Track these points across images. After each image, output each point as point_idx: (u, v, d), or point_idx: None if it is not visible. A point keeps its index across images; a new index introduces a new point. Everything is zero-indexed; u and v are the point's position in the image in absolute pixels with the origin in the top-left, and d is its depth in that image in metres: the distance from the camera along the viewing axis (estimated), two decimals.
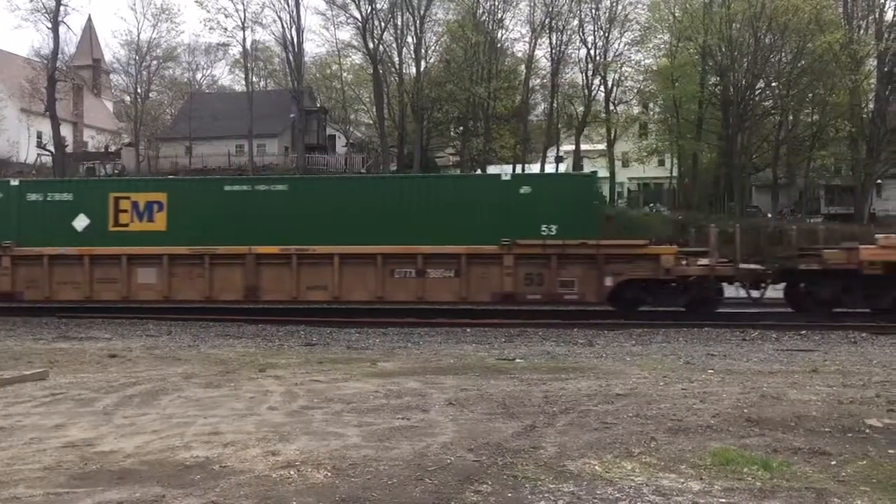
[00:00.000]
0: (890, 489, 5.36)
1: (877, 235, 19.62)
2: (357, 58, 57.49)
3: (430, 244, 19.73)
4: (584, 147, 52.51)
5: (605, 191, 55.05)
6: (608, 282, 19.30)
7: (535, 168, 50.54)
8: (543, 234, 19.46)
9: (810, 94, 44.39)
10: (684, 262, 19.44)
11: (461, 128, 54.64)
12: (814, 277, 19.16)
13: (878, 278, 18.52)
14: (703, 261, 19.47)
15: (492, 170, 49.84)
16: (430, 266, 19.90)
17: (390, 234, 19.84)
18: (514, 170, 50.46)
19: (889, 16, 43.05)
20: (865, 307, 19.08)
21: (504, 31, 53.56)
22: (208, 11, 79.10)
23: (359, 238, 19.87)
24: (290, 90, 53.59)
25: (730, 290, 20.17)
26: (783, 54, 43.92)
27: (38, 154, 56.65)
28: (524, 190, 19.90)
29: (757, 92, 44.60)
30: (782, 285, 20.25)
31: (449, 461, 5.99)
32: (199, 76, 66.60)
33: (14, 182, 21.71)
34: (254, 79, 58.18)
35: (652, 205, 51.29)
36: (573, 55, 50.89)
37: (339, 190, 21.28)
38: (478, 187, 21.04)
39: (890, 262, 18.37)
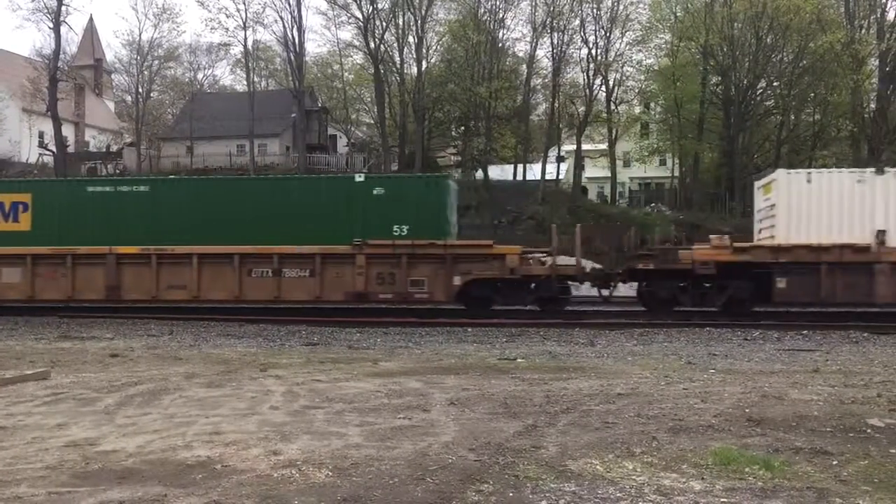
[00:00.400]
0: (891, 489, 5.36)
1: (711, 236, 20.16)
2: (358, 58, 57.53)
3: (286, 244, 20.20)
4: (585, 147, 52.50)
5: (607, 191, 55.14)
6: (457, 281, 19.94)
7: (536, 168, 50.54)
8: (395, 234, 19.99)
9: (812, 94, 44.37)
10: (529, 262, 20.10)
11: (462, 128, 54.63)
12: (655, 277, 19.82)
13: (714, 277, 19.24)
14: (566, 259, 20.13)
15: (492, 170, 49.90)
16: (286, 266, 20.41)
17: (248, 235, 20.33)
18: (515, 170, 50.52)
19: (891, 15, 43.07)
20: (701, 306, 19.65)
21: (505, 31, 53.65)
22: (209, 11, 79.58)
23: (218, 238, 20.39)
24: (291, 90, 53.56)
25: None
26: (785, 54, 43.89)
27: (40, 154, 56.69)
28: (377, 191, 20.37)
29: (758, 91, 44.59)
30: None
31: (450, 461, 5.99)
32: (200, 76, 66.64)
33: None
34: (255, 79, 58.20)
35: (653, 205, 51.29)
36: (574, 55, 50.88)
37: (198, 191, 21.88)
38: (332, 188, 21.38)
39: (721, 262, 18.94)
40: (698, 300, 19.64)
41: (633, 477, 5.60)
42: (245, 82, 57.61)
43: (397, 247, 19.85)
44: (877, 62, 42.46)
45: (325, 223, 20.15)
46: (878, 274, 18.28)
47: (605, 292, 20.49)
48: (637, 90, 52.91)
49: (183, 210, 20.80)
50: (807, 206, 18.86)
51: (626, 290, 21.04)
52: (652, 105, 53.85)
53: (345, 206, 20.22)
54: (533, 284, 20.17)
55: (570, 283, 20.45)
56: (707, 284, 19.49)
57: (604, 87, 50.18)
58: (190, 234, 20.46)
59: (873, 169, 19.60)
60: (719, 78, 45.06)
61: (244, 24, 51.45)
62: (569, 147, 57.45)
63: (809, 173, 19.98)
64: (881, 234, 18.39)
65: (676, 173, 52.04)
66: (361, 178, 21.46)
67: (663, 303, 19.86)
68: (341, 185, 21.64)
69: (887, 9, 43.20)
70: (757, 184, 21.70)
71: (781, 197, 19.19)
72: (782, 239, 18.99)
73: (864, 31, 43.17)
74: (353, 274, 20.06)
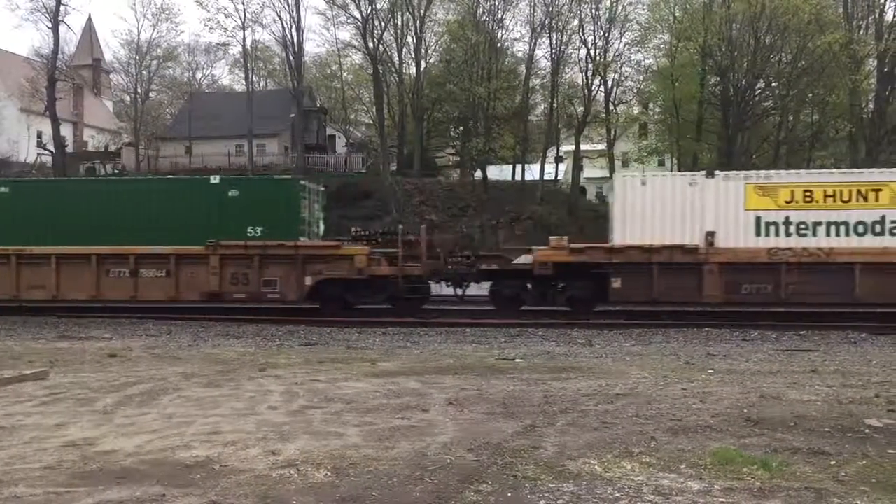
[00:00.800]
0: (889, 489, 5.36)
1: (550, 237, 20.69)
2: (357, 58, 57.45)
3: (142, 245, 20.56)
4: (584, 147, 52.44)
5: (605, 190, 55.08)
6: (308, 281, 20.58)
7: (535, 168, 50.51)
8: (250, 235, 20.54)
9: (810, 94, 44.30)
10: (378, 263, 20.65)
11: (461, 128, 54.57)
12: (502, 277, 20.54)
13: (556, 277, 19.95)
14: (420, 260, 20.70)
15: (491, 170, 49.86)
16: (143, 266, 20.85)
17: (105, 235, 20.69)
18: (514, 170, 50.50)
19: (889, 16, 42.97)
20: (544, 305, 20.39)
21: (504, 31, 53.52)
22: (208, 11, 79.01)
23: (77, 239, 20.75)
24: (289, 90, 53.50)
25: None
26: (783, 54, 43.83)
27: (38, 154, 56.60)
28: (233, 193, 20.84)
29: (757, 92, 44.53)
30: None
31: (449, 461, 5.99)
32: (199, 76, 66.63)
33: None
34: (254, 79, 58.12)
35: None
36: (573, 55, 50.78)
37: (58, 192, 22.29)
38: (188, 190, 21.87)
39: (559, 263, 19.61)
40: (541, 299, 20.40)
41: (632, 477, 5.60)
42: (244, 82, 57.54)
43: (250, 247, 20.50)
44: (875, 63, 42.43)
45: (181, 224, 20.68)
46: (706, 274, 18.97)
47: (461, 291, 21.28)
48: (636, 90, 52.83)
49: (43, 211, 21.21)
50: (641, 209, 19.45)
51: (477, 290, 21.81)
52: (650, 105, 53.79)
53: (200, 208, 20.76)
54: (407, 284, 20.68)
55: (431, 282, 21.27)
56: (558, 285, 20.20)
57: (602, 88, 50.11)
58: (50, 234, 20.94)
59: (704, 172, 20.28)
60: (718, 78, 44.97)
61: (243, 24, 51.34)
62: (567, 147, 57.37)
63: (644, 176, 20.71)
64: (710, 235, 19.02)
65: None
66: (217, 181, 21.87)
67: (509, 302, 20.56)
68: (198, 187, 22.14)
69: (886, 9, 43.19)
70: (605, 186, 22.16)
71: (618, 199, 19.83)
72: (618, 240, 19.62)
73: (862, 31, 43.14)
74: (208, 274, 20.65)
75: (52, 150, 50.26)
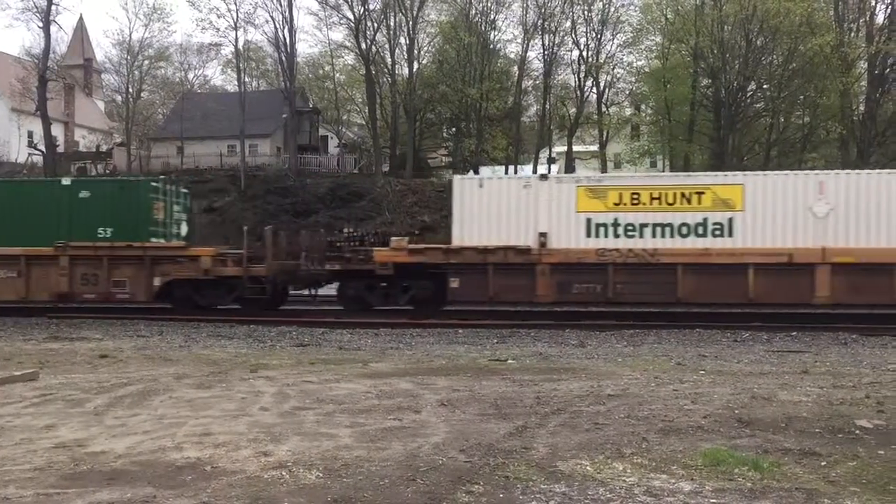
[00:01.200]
0: (879, 490, 5.39)
1: (392, 238, 21.09)
2: (350, 58, 57.45)
3: None
4: (576, 148, 52.55)
5: None
6: (157, 281, 20.92)
7: (527, 169, 50.54)
8: (100, 236, 20.81)
9: (801, 97, 44.49)
10: (226, 263, 21.00)
11: (454, 129, 54.61)
12: (349, 277, 20.92)
13: (399, 277, 20.32)
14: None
15: (484, 171, 49.88)
16: None
17: None
18: (506, 171, 50.52)
19: (880, 19, 43.16)
20: (386, 305, 20.81)
21: (496, 33, 53.50)
22: (200, 11, 79.32)
23: None
24: (282, 90, 53.42)
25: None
26: (774, 56, 44.01)
27: (29, 154, 56.36)
28: (83, 194, 21.09)
29: (748, 94, 44.71)
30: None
31: (441, 462, 5.99)
32: (191, 76, 66.42)
33: None
34: (246, 79, 57.92)
35: None
36: (565, 57, 50.90)
37: None
38: (39, 191, 22.15)
39: (399, 263, 19.99)
40: (384, 299, 20.79)
41: (623, 478, 5.61)
42: (236, 83, 57.41)
43: (99, 248, 20.74)
44: (866, 65, 42.65)
45: (32, 225, 20.89)
46: (538, 274, 19.37)
47: (314, 291, 21.86)
48: (628, 92, 53.01)
49: None
50: (479, 211, 19.80)
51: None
52: (643, 107, 53.93)
53: (52, 209, 20.96)
54: (266, 284, 20.95)
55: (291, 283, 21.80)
56: (404, 284, 20.56)
57: (595, 89, 50.29)
58: None
59: (539, 175, 20.66)
60: (709, 80, 45.13)
61: (235, 24, 51.35)
62: (560, 148, 57.43)
63: (482, 178, 21.13)
64: (543, 236, 19.41)
65: None
66: (68, 182, 22.06)
67: (354, 302, 20.97)
68: (49, 188, 22.36)
69: (876, 12, 43.40)
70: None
71: (456, 201, 20.18)
72: (456, 241, 19.93)
73: (853, 34, 43.34)
74: (58, 275, 20.86)
75: (43, 150, 50.06)
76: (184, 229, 23.32)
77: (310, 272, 20.98)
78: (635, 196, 19.44)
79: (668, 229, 19.26)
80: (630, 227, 19.33)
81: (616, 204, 19.44)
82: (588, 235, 19.44)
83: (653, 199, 19.38)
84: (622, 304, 20.03)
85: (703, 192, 19.26)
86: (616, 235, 19.37)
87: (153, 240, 21.08)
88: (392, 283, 20.54)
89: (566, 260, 19.34)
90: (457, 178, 21.18)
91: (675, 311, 19.94)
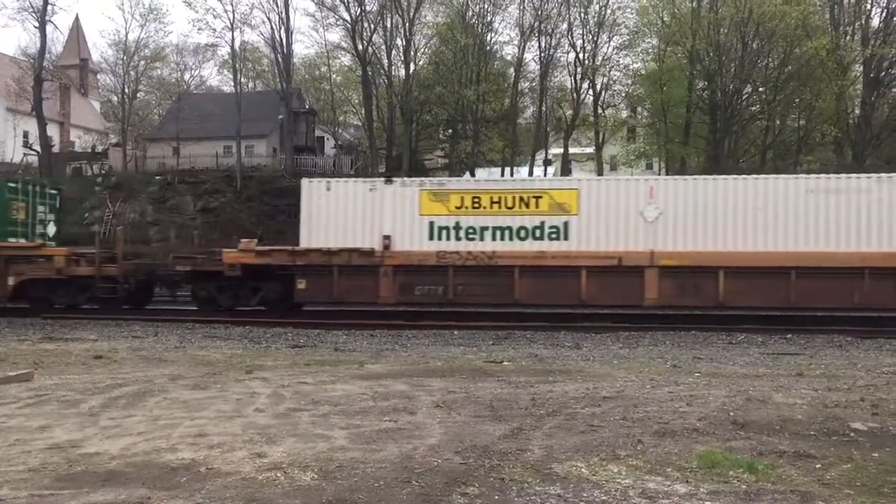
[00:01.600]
0: (874, 492, 5.40)
1: (242, 239, 21.50)
2: (346, 59, 57.38)
3: None
4: (572, 150, 52.59)
5: None
6: (11, 281, 21.29)
7: (524, 171, 50.58)
8: None
9: (797, 99, 44.59)
10: (75, 263, 21.35)
11: (450, 130, 54.57)
12: (200, 278, 21.29)
13: (246, 278, 20.62)
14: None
15: (480, 173, 49.87)
16: None
17: None
18: (503, 172, 50.54)
19: (875, 22, 43.26)
20: (236, 305, 21.10)
21: (493, 34, 53.44)
22: (197, 12, 78.71)
23: None
24: (278, 91, 53.36)
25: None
26: (770, 59, 44.09)
27: (25, 154, 56.21)
28: None
29: (744, 97, 44.78)
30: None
31: (436, 463, 5.99)
32: (187, 76, 66.11)
33: None
34: (242, 80, 57.85)
35: None
36: (562, 59, 50.88)
37: None
38: None
39: (247, 264, 20.38)
40: (234, 300, 21.07)
41: (618, 480, 5.61)
42: (232, 83, 57.31)
43: None
44: (861, 68, 42.74)
45: None
46: (381, 276, 19.86)
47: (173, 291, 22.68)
48: (624, 94, 53.03)
49: None
50: (326, 213, 20.26)
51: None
52: (639, 109, 53.99)
53: None
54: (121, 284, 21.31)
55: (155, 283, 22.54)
56: (254, 285, 20.91)
57: (591, 91, 50.29)
58: None
59: (384, 179, 21.11)
60: (706, 83, 45.20)
61: (231, 25, 51.14)
62: (556, 150, 57.46)
63: (329, 182, 21.49)
64: (387, 238, 19.88)
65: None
66: None
67: (206, 302, 21.29)
68: None
69: (872, 15, 43.51)
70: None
71: (304, 204, 20.61)
72: (304, 243, 20.37)
73: (848, 37, 43.42)
74: None
75: (39, 150, 49.97)
76: (51, 229, 23.63)
77: (166, 272, 21.46)
78: (476, 200, 19.93)
79: (507, 232, 19.75)
80: (471, 231, 19.82)
81: (458, 207, 19.95)
82: (431, 238, 19.94)
83: (493, 203, 19.87)
84: (462, 305, 20.54)
85: (540, 197, 19.75)
86: (458, 238, 19.85)
87: (11, 240, 21.37)
88: (243, 284, 20.86)
89: (408, 262, 19.85)
90: (305, 181, 21.49)
91: (673, 314, 19.97)
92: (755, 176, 20.47)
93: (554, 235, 19.56)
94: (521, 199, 19.76)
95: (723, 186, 19.31)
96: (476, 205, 19.87)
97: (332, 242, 20.05)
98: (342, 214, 20.15)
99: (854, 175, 20.08)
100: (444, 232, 19.88)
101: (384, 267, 19.84)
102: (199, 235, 31.56)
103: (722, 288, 18.78)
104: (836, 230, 18.55)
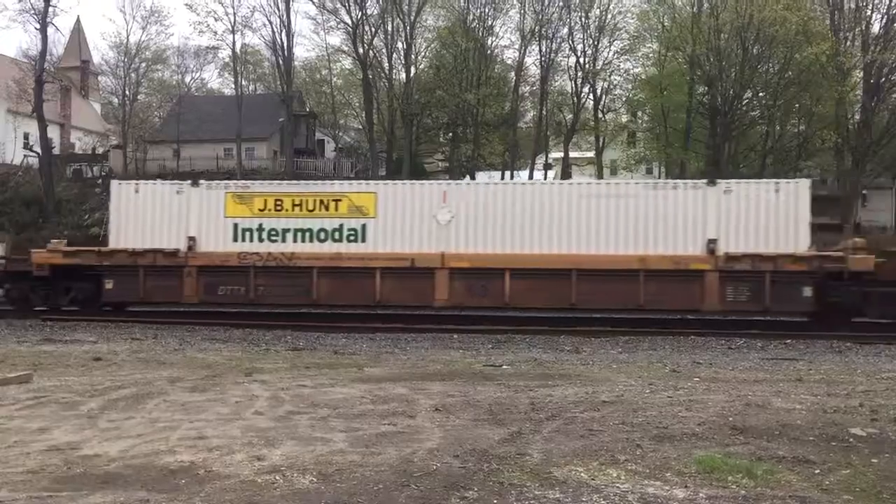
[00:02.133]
0: (873, 498, 5.40)
1: (52, 240, 22.01)
2: (347, 63, 57.50)
3: None
4: (572, 154, 52.66)
5: None
6: None
7: (524, 175, 50.61)
8: None
9: (797, 105, 44.66)
10: None
11: (450, 134, 54.65)
12: (14, 278, 21.71)
13: (58, 279, 21.03)
14: None
15: (480, 177, 49.92)
16: None
17: None
18: (503, 176, 50.60)
19: (875, 28, 43.35)
20: (49, 305, 21.34)
21: (494, 38, 53.63)
22: (198, 14, 78.73)
23: None
24: (279, 94, 53.48)
25: None
26: (770, 65, 44.16)
27: (25, 155, 56.20)
28: None
29: (744, 102, 44.83)
30: None
31: (435, 467, 5.99)
32: (188, 79, 66.27)
33: None
34: (243, 82, 57.97)
35: None
36: (563, 63, 51.05)
37: None
38: None
39: (55, 265, 20.86)
40: (46, 300, 21.39)
41: (617, 484, 5.61)
42: (233, 86, 57.43)
43: None
44: (861, 74, 42.80)
45: None
46: (185, 276, 20.31)
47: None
48: (624, 99, 53.14)
49: None
50: (135, 214, 20.69)
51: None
52: (639, 114, 54.08)
53: None
54: None
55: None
56: (65, 285, 21.18)
57: (591, 96, 50.42)
58: None
59: (190, 182, 21.30)
60: (706, 88, 45.26)
61: (233, 27, 51.32)
62: (556, 154, 57.55)
63: (137, 184, 21.95)
64: (192, 240, 20.37)
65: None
66: None
67: (20, 302, 21.64)
68: None
69: (872, 21, 43.58)
70: None
71: (113, 205, 21.10)
72: (112, 243, 20.83)
73: (849, 43, 43.49)
74: None
75: (39, 151, 49.98)
76: None
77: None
78: (279, 203, 20.35)
79: (308, 234, 20.16)
80: (273, 232, 20.25)
81: (261, 210, 20.36)
82: (235, 240, 20.36)
83: (295, 205, 20.28)
84: (264, 305, 20.97)
85: (340, 200, 20.16)
86: (261, 240, 20.28)
87: None
88: (54, 283, 21.16)
89: (210, 262, 20.24)
90: (114, 183, 21.80)
91: (670, 318, 19.97)
92: (539, 181, 21.17)
93: (352, 238, 19.99)
94: (322, 202, 20.19)
95: (511, 191, 19.97)
96: (279, 207, 20.33)
97: (140, 243, 20.47)
98: (150, 216, 20.59)
99: (624, 181, 20.57)
100: (247, 234, 20.34)
101: (188, 267, 20.29)
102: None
103: (508, 289, 19.26)
104: (615, 234, 19.12)
